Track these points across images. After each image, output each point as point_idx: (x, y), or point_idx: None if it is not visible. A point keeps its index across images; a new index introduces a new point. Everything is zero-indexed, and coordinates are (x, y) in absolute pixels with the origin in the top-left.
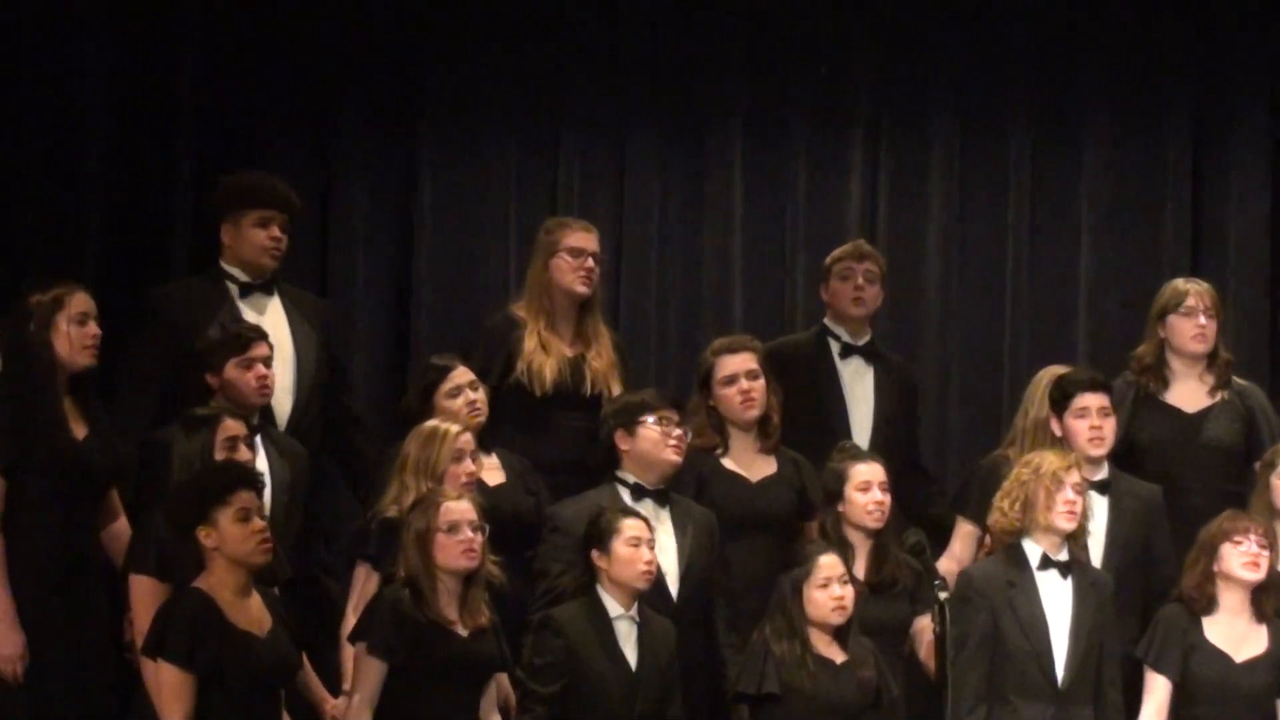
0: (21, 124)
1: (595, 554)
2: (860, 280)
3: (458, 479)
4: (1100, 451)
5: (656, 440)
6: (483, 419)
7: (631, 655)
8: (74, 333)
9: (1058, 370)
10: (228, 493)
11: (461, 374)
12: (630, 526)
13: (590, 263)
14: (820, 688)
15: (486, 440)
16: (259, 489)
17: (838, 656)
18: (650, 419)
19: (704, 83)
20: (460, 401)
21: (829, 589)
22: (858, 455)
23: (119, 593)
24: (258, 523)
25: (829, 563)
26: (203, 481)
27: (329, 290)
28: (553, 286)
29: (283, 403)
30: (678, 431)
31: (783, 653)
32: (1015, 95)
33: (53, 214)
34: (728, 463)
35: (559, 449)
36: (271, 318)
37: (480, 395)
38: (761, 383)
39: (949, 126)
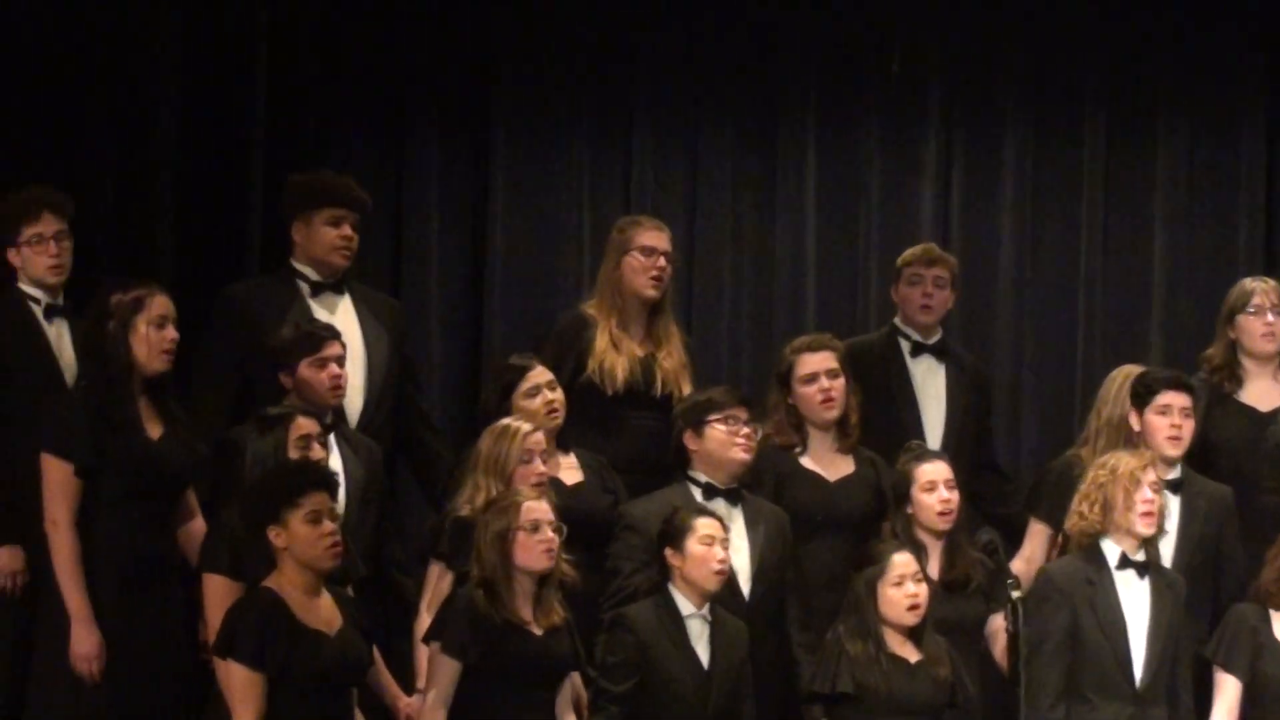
0: (95, 124)
1: (669, 552)
2: (929, 287)
3: (526, 479)
4: (1177, 452)
5: (723, 440)
6: (560, 420)
7: (704, 654)
8: (152, 336)
9: (1133, 369)
10: (300, 494)
11: (540, 374)
12: (704, 525)
13: (662, 262)
14: (894, 687)
15: (564, 439)
16: (333, 491)
17: (912, 655)
18: (716, 418)
19: (776, 82)
20: (538, 401)
21: (903, 587)
22: (922, 455)
23: (196, 592)
24: (328, 525)
25: (903, 561)
26: (276, 481)
27: (402, 290)
28: (624, 286)
29: (354, 402)
30: (745, 430)
31: (857, 652)
32: (1089, 94)
33: (126, 213)
34: (806, 462)
35: (629, 448)
36: (342, 317)
37: (558, 395)
38: (841, 382)
39: (1022, 125)
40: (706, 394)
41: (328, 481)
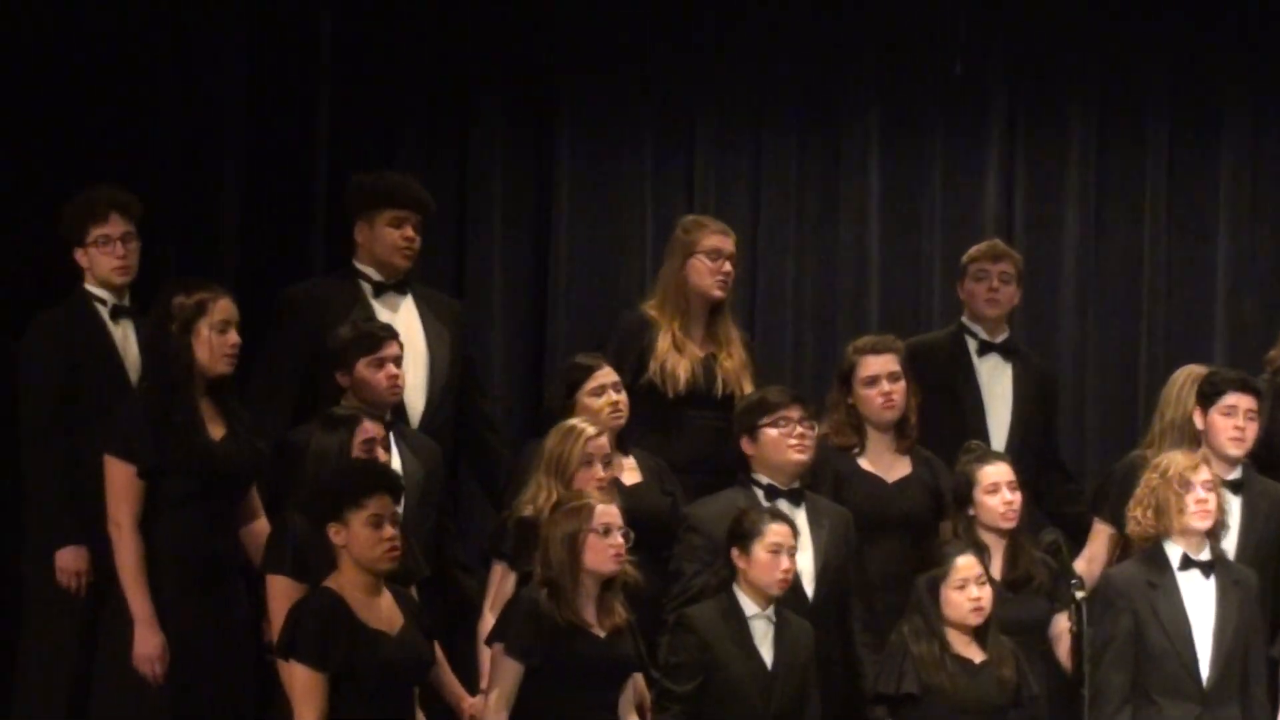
0: (160, 125)
1: (735, 553)
2: (995, 282)
3: (587, 483)
4: (1239, 452)
5: (777, 442)
6: (623, 421)
7: (768, 654)
8: (215, 340)
9: (1195, 370)
10: (365, 495)
11: (606, 374)
12: (774, 532)
13: (727, 266)
14: (959, 687)
15: (624, 441)
16: (398, 495)
17: (976, 656)
18: (768, 422)
19: (839, 81)
20: (603, 401)
21: (966, 590)
22: (984, 457)
23: (259, 593)
24: (389, 530)
25: (966, 564)
26: (343, 479)
27: (465, 290)
28: (688, 287)
29: (415, 402)
30: (799, 430)
31: (921, 653)
32: (1153, 93)
33: (191, 213)
34: (864, 463)
35: (691, 448)
36: (404, 317)
37: (623, 397)
38: (902, 384)
39: (1085, 124)
40: (759, 396)
41: (394, 486)
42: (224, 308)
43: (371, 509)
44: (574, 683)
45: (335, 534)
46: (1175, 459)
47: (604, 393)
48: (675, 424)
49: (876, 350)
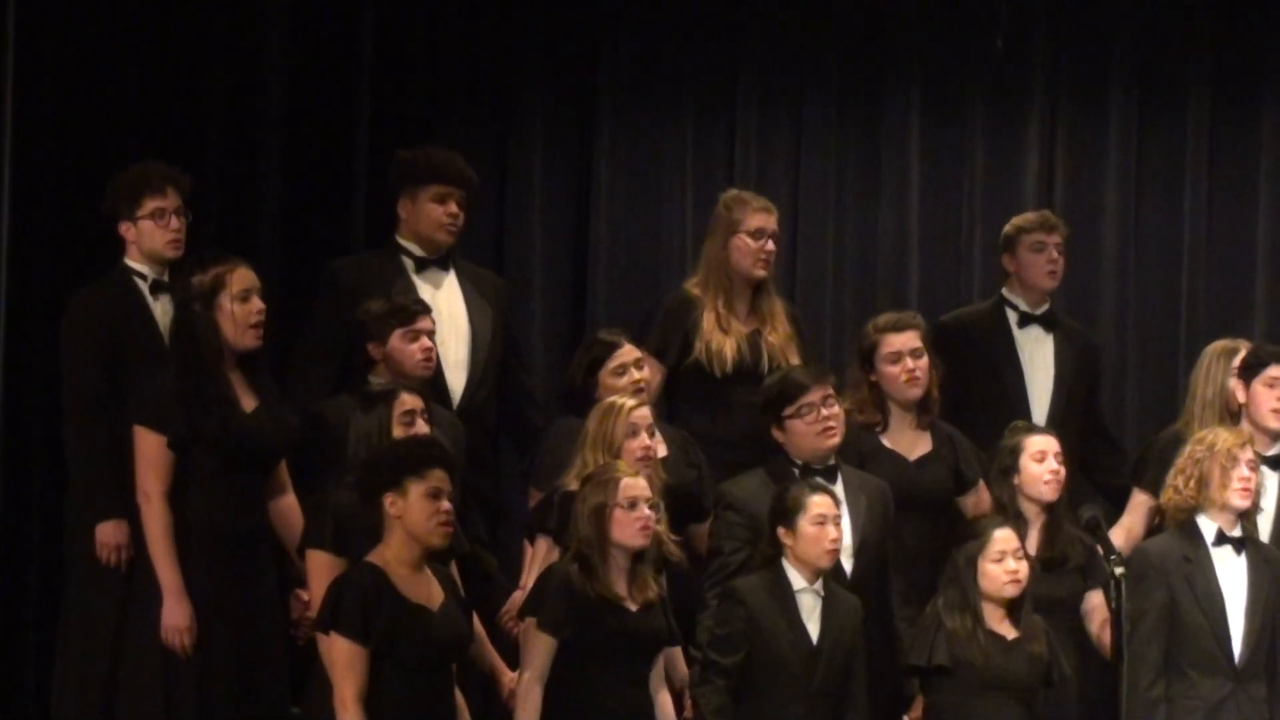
0: (200, 100)
1: (781, 530)
2: (1054, 253)
3: (633, 454)
4: (1279, 424)
5: (804, 431)
6: (644, 399)
7: (814, 629)
8: (238, 311)
9: (1225, 344)
10: (425, 467)
11: (628, 352)
12: (817, 504)
13: (770, 244)
14: (991, 662)
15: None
16: (453, 475)
17: (1009, 632)
18: (790, 412)
19: (880, 56)
20: (625, 380)
21: (1003, 563)
22: (1031, 429)
23: (287, 569)
24: (446, 504)
25: (1004, 536)
26: (403, 450)
27: (505, 267)
28: (731, 266)
29: (457, 378)
30: (824, 413)
31: (955, 626)
32: (1193, 68)
33: (231, 187)
34: (886, 441)
35: (739, 425)
36: (447, 293)
37: (645, 375)
38: (925, 360)
39: (1126, 100)
40: (778, 386)
41: (452, 464)
42: (242, 277)
43: (432, 481)
44: (605, 657)
45: (391, 504)
46: (1222, 434)
47: (625, 372)
48: (723, 402)
49: (898, 328)
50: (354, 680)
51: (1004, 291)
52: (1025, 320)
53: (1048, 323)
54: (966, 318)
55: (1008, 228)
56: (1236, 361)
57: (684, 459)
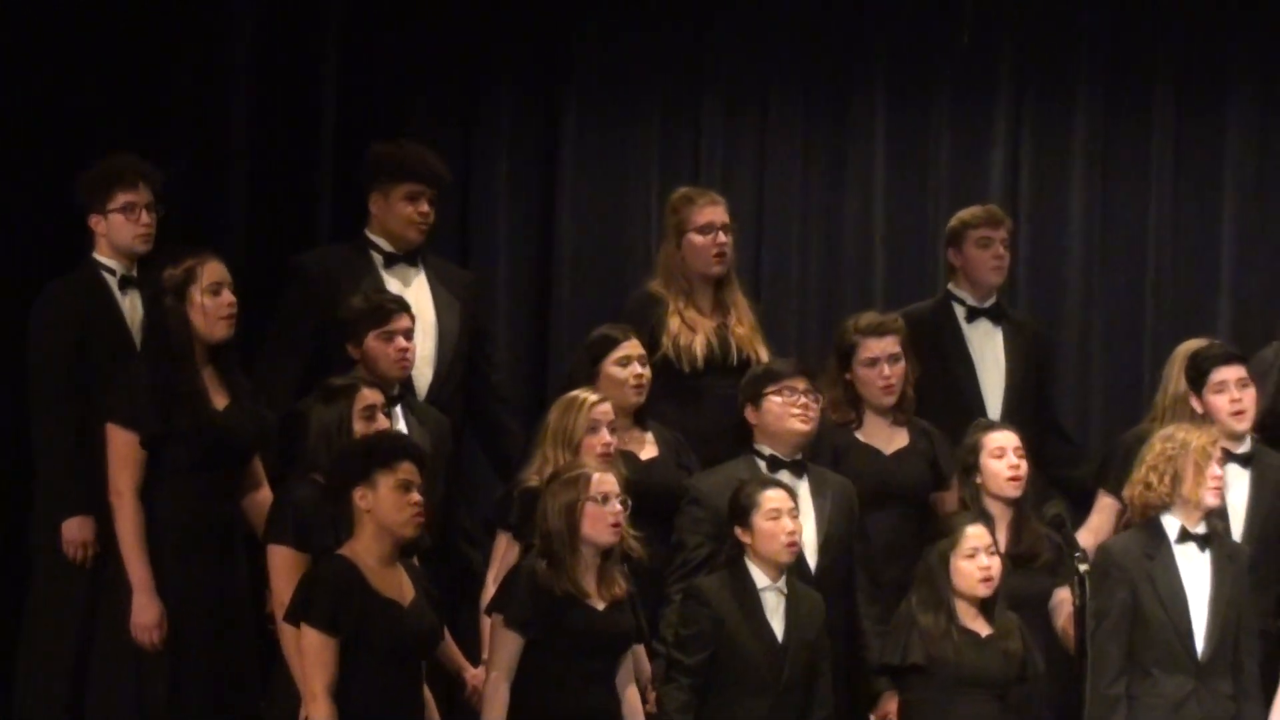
0: (167, 94)
1: (739, 530)
2: (1000, 248)
3: (594, 449)
4: (1244, 425)
5: (780, 412)
6: (644, 397)
7: (778, 627)
8: (209, 303)
9: (1195, 344)
10: (395, 459)
11: (634, 346)
12: (770, 499)
13: (722, 237)
14: (965, 660)
15: (643, 416)
16: (423, 468)
17: (983, 629)
18: (772, 390)
19: (846, 52)
20: (628, 371)
21: (976, 559)
22: (990, 426)
23: (260, 563)
24: (415, 496)
25: (976, 533)
26: (370, 444)
27: (470, 262)
28: (688, 267)
29: (423, 374)
30: (803, 400)
31: (928, 624)
32: (1160, 66)
33: (197, 183)
34: (861, 436)
35: (710, 418)
36: (415, 290)
37: (647, 372)
38: (902, 365)
39: (1092, 95)
40: (765, 366)
41: (421, 459)
42: (213, 270)
43: (402, 474)
44: (572, 654)
45: (361, 498)
46: (1194, 432)
47: (630, 363)
48: (693, 395)
49: (879, 333)
50: (324, 672)
51: (950, 286)
52: (973, 314)
53: (996, 316)
54: (914, 314)
55: (953, 222)
56: None
57: (675, 460)
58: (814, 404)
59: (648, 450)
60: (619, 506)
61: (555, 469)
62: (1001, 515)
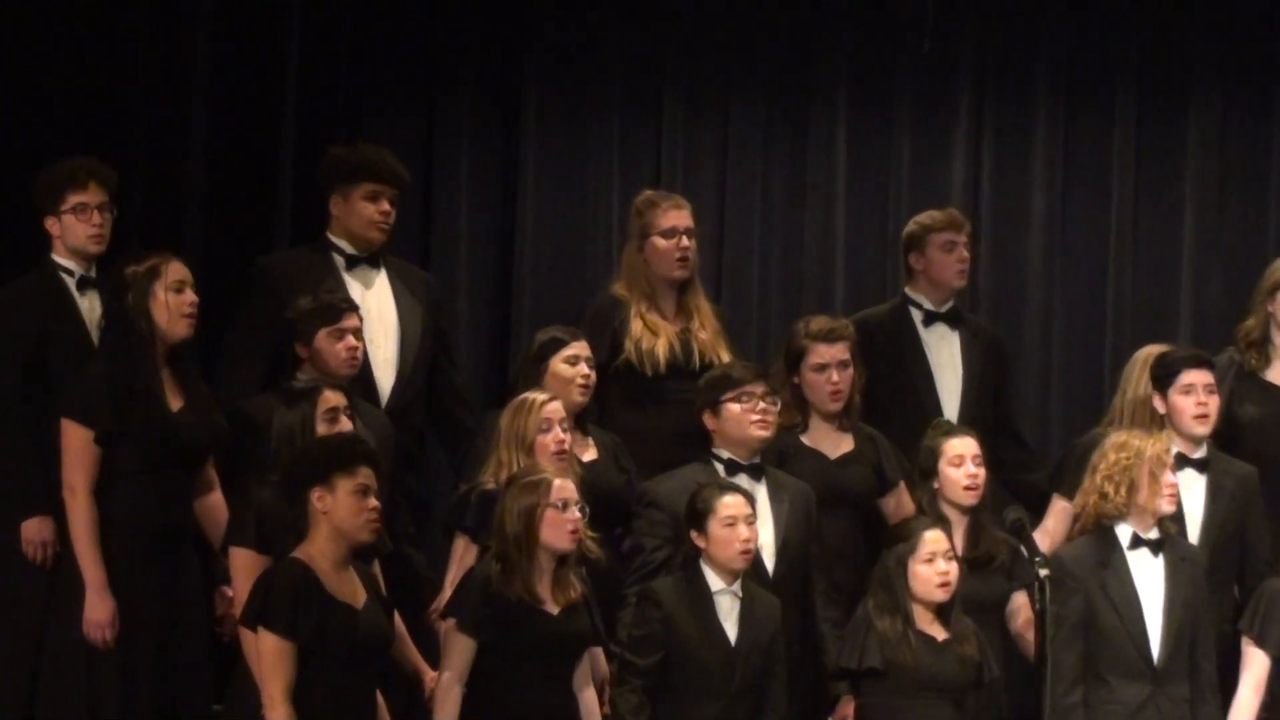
0: (125, 96)
1: (694, 534)
2: (964, 252)
3: (547, 448)
4: (1205, 429)
5: (739, 418)
6: (588, 398)
7: (732, 630)
8: (172, 301)
9: (1155, 349)
10: (354, 464)
11: (582, 347)
12: (727, 506)
13: (685, 241)
14: (922, 664)
15: (583, 420)
16: (380, 472)
17: (940, 634)
18: (730, 397)
19: (808, 58)
20: (576, 371)
21: (934, 564)
22: (951, 431)
23: (211, 565)
24: (373, 501)
25: (934, 538)
26: (331, 447)
27: (431, 263)
28: (651, 270)
29: (386, 376)
30: (762, 405)
31: (885, 628)
32: (1119, 74)
33: (156, 184)
34: (808, 440)
35: (673, 422)
36: (377, 291)
37: (593, 374)
38: (850, 372)
39: (1052, 103)
40: (723, 371)
41: (378, 463)
42: (176, 269)
43: (360, 478)
44: (525, 658)
45: (319, 499)
46: (1147, 440)
47: (577, 363)
48: (655, 399)
49: (829, 339)
50: (282, 676)
51: (907, 290)
52: (930, 318)
53: (953, 320)
54: (871, 318)
55: (912, 226)
56: None
57: (614, 464)
58: (773, 408)
59: (588, 453)
60: (578, 513)
61: (512, 472)
62: (958, 520)
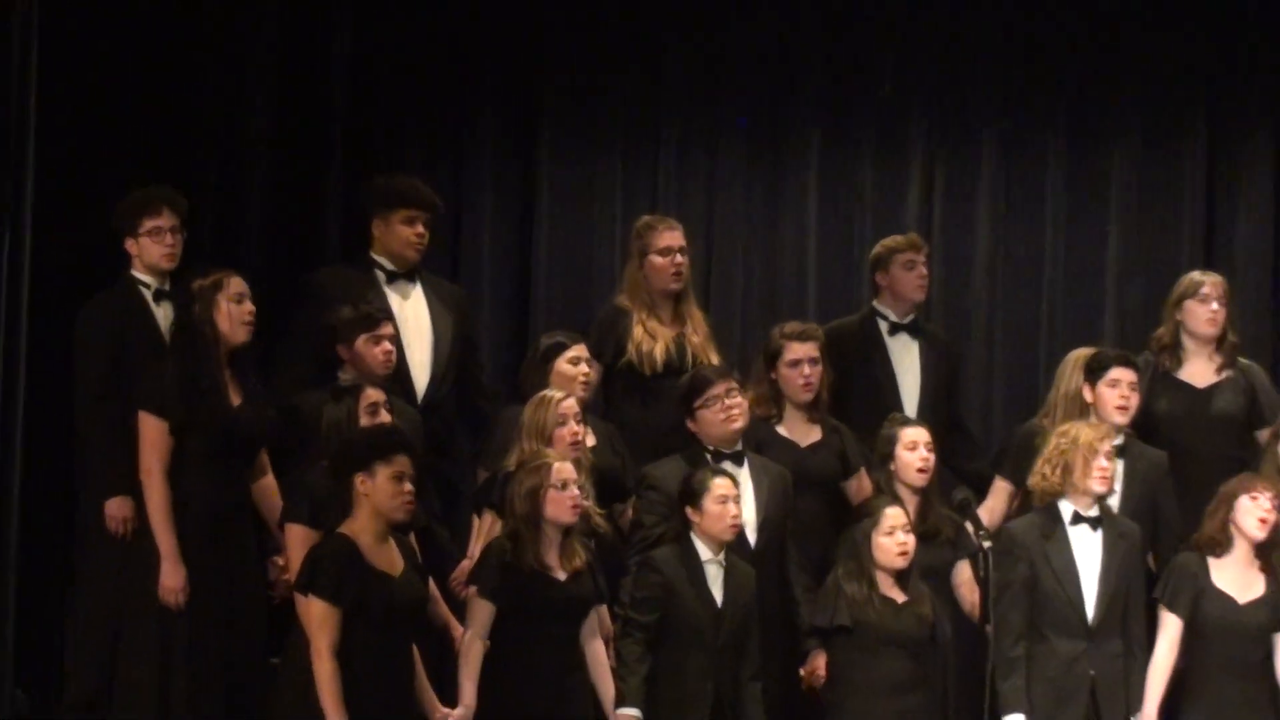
0: (195, 130)
1: (689, 510)
2: (923, 269)
3: (564, 440)
4: (1124, 420)
5: (713, 419)
6: (588, 394)
7: (718, 594)
8: (233, 310)
9: (1084, 352)
10: (392, 452)
11: (583, 349)
12: (719, 486)
13: (679, 258)
14: (885, 622)
15: (584, 412)
16: (416, 459)
17: (899, 596)
18: (700, 404)
19: (785, 101)
20: (578, 370)
21: (894, 536)
22: (905, 421)
23: (265, 539)
24: (408, 486)
25: (894, 513)
26: (374, 437)
27: (459, 278)
28: (650, 283)
29: (421, 376)
30: (730, 402)
31: (853, 592)
32: (1054, 116)
33: (222, 210)
34: (780, 430)
35: (668, 414)
36: (414, 303)
37: (593, 373)
38: (820, 368)
39: (994, 144)
40: (687, 383)
41: (414, 451)
42: (237, 283)
43: (397, 466)
44: (537, 619)
45: (361, 483)
46: (1084, 429)
47: (579, 363)
48: (655, 395)
49: (802, 338)
50: (328, 636)
51: (875, 304)
52: (895, 329)
53: (914, 330)
54: (843, 327)
55: (879, 249)
56: None
57: (610, 448)
58: (739, 400)
59: (588, 441)
60: (576, 491)
61: (522, 460)
62: (909, 498)
